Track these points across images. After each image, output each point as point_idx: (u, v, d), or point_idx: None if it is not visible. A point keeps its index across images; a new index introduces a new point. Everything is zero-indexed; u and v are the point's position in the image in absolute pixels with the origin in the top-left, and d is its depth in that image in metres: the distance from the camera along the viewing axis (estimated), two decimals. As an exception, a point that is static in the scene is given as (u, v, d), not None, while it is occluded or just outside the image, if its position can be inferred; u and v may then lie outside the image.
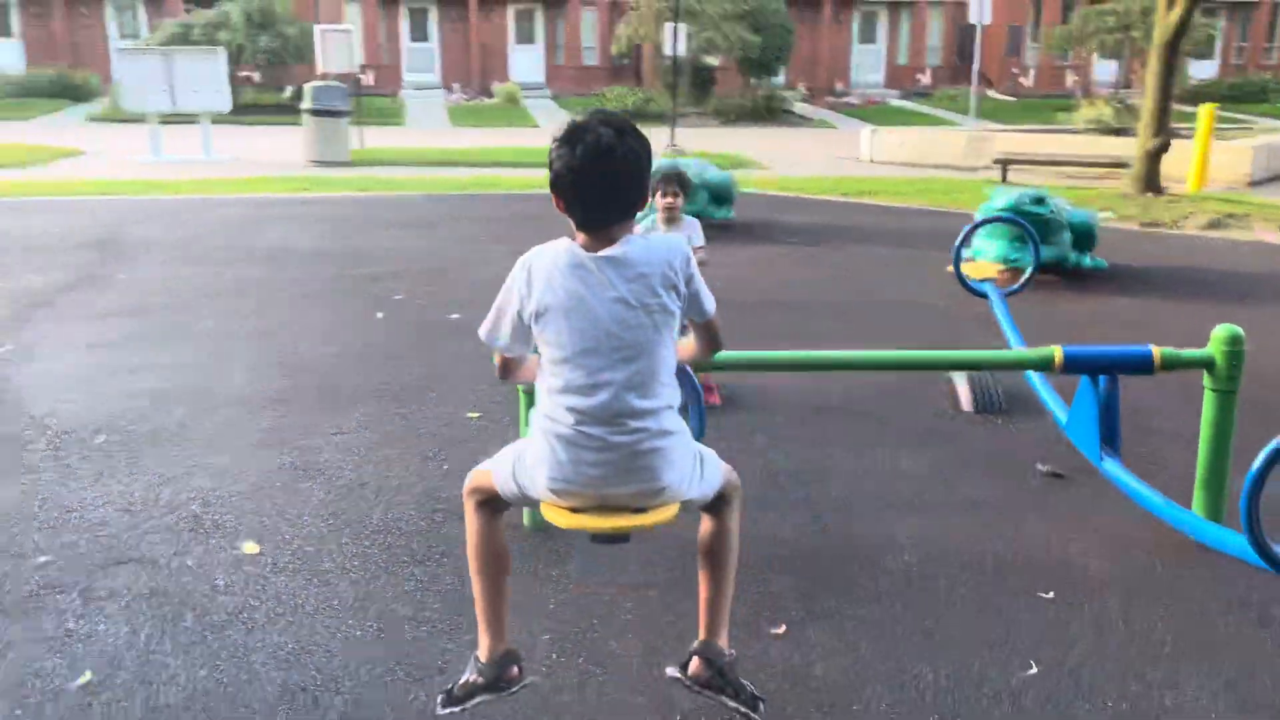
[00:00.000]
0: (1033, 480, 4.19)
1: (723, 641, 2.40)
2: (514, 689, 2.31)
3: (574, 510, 2.17)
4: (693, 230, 5.00)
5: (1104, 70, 34.85)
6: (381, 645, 2.89)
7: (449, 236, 10.00)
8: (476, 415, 4.88)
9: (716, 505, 2.36)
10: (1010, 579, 3.38)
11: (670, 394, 2.14)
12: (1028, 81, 35.55)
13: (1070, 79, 35.04)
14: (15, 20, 31.94)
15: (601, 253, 2.05)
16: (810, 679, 2.75)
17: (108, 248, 9.06)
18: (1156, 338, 3.77)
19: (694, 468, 2.22)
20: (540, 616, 3.04)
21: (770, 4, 28.78)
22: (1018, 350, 4.20)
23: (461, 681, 2.31)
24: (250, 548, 3.49)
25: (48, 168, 15.64)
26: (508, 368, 2.25)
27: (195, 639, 2.91)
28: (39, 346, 5.93)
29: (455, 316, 6.69)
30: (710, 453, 2.35)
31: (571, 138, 2.04)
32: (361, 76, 23.45)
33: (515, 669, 2.30)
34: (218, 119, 17.59)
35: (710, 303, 2.22)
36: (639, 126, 2.10)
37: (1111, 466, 3.70)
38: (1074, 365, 3.58)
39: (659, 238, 2.34)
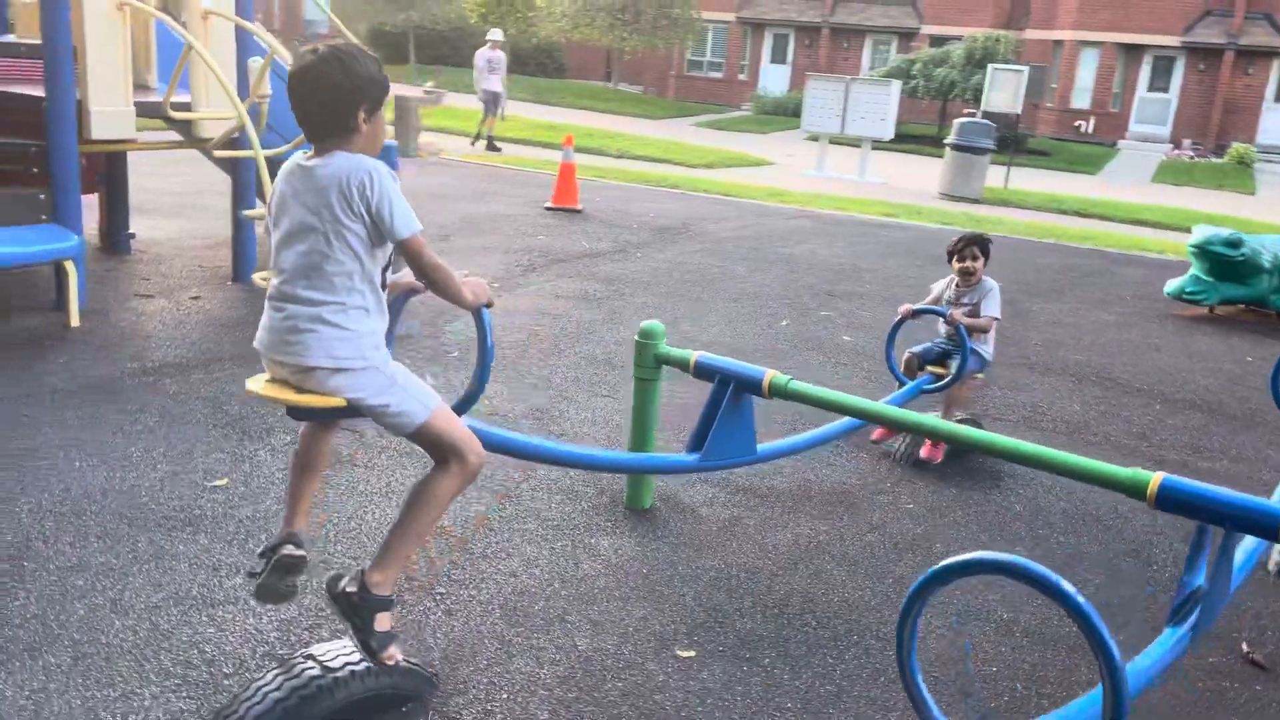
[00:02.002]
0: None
1: (376, 579, 2.51)
2: (279, 559, 2.65)
3: (269, 380, 2.51)
4: (985, 296, 4.87)
5: None
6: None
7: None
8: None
9: (436, 459, 2.55)
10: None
11: (349, 297, 2.37)
12: None
13: None
14: (790, 49, 37.00)
15: (306, 162, 2.40)
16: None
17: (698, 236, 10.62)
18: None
19: (373, 379, 2.42)
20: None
21: None
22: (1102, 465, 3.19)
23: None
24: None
25: (735, 170, 18.34)
26: None
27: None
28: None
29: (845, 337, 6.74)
30: (417, 390, 2.49)
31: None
32: (1081, 123, 22.70)
33: (291, 547, 2.69)
34: (878, 144, 18.83)
35: (403, 226, 2.35)
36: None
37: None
38: (1172, 504, 2.81)
39: (351, 158, 2.37)
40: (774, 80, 36.66)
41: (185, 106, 6.37)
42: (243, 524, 3.61)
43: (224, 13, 6.21)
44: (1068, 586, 1.93)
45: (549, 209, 11.33)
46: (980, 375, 5.17)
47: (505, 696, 2.82)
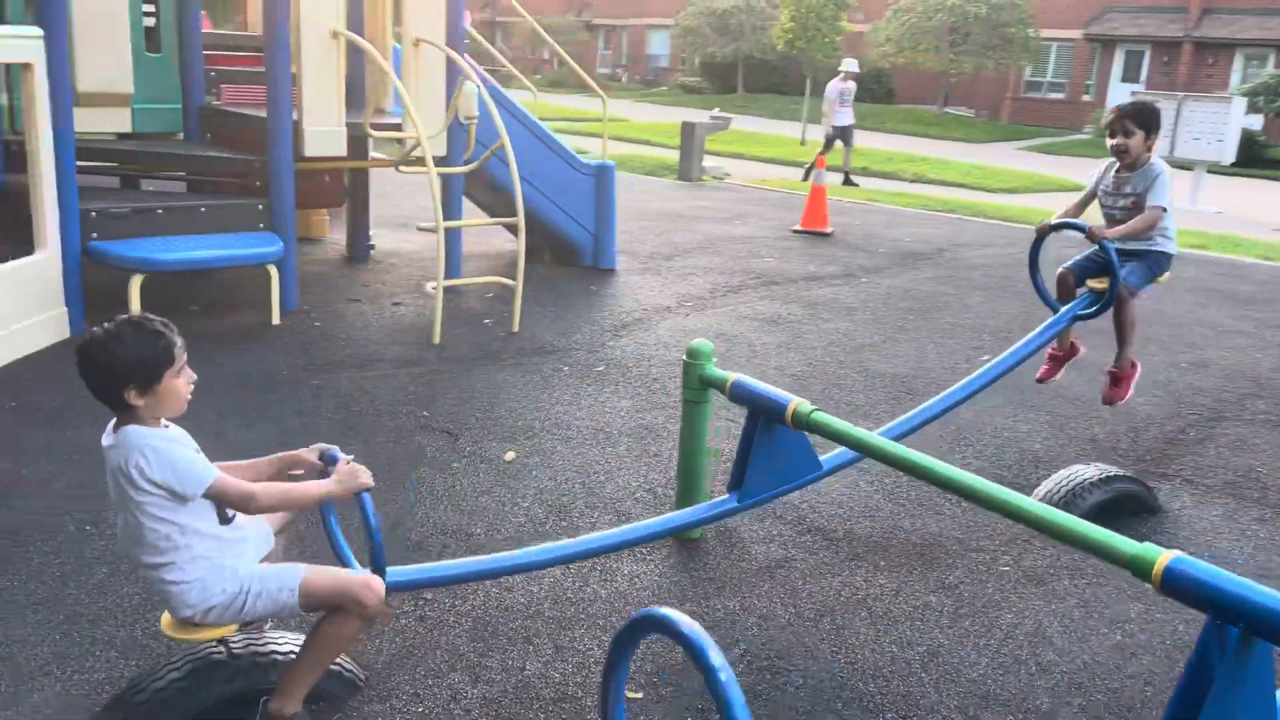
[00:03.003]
0: None
1: (275, 706, 2.54)
2: None
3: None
4: (1151, 181, 4.10)
5: None
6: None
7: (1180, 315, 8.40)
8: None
9: (333, 609, 2.53)
10: None
11: (176, 555, 2.40)
12: None
13: None
14: (1145, 66, 33.82)
15: (106, 441, 2.42)
16: None
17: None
18: None
19: (234, 604, 2.45)
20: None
21: None
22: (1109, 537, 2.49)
23: None
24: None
25: (1040, 195, 17.08)
26: None
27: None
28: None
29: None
30: (275, 582, 2.48)
31: None
32: None
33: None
34: (1214, 168, 16.71)
35: (192, 487, 2.36)
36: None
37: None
38: (1179, 592, 2.27)
39: (128, 438, 2.39)
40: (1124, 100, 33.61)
41: (397, 127, 6.88)
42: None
43: (433, 40, 6.65)
44: (714, 658, 1.63)
45: (795, 232, 11.10)
46: (1164, 278, 4.35)
47: (421, 710, 2.78)
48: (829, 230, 11.10)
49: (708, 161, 16.83)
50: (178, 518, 2.41)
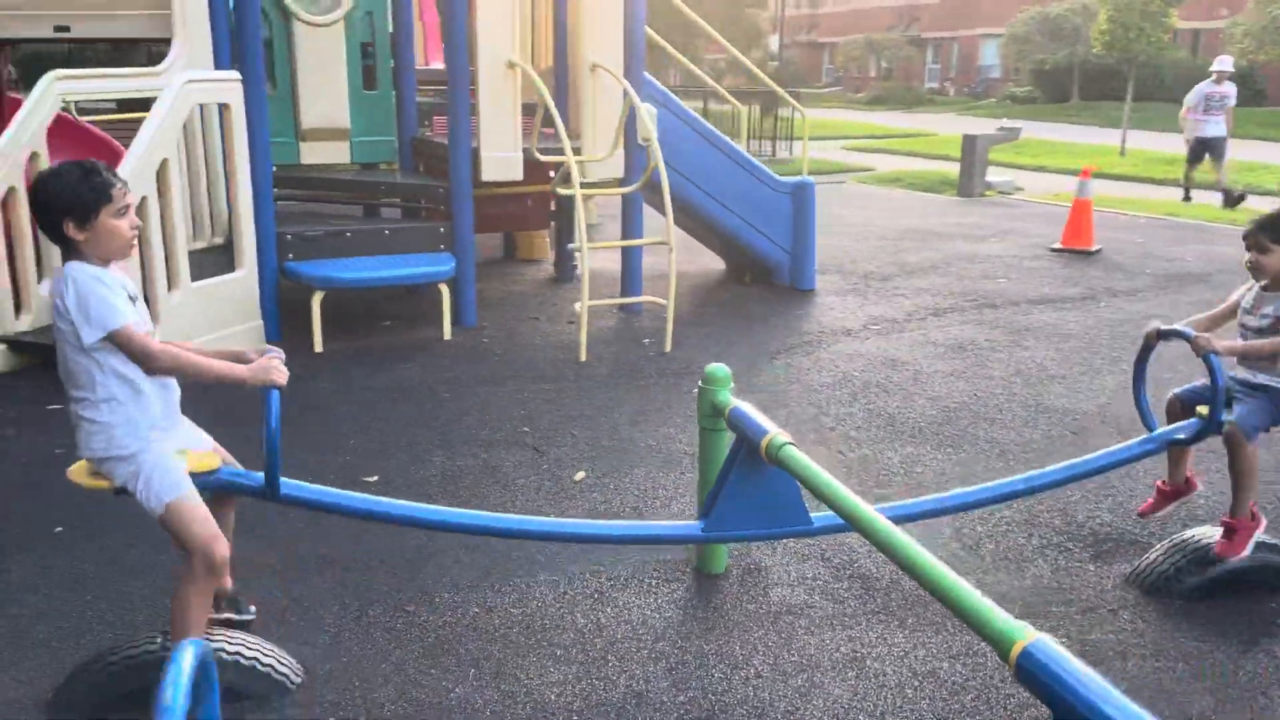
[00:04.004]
0: None
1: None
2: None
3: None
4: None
5: None
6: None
7: None
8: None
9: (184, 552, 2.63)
10: None
11: (93, 392, 2.54)
12: None
13: None
14: None
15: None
16: None
17: None
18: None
19: (124, 466, 2.60)
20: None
21: None
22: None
23: None
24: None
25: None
26: None
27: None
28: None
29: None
30: (160, 483, 2.58)
31: None
32: None
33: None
34: None
35: (91, 330, 2.48)
36: None
37: None
38: (1030, 680, 1.86)
39: (66, 272, 2.52)
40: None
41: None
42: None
43: (606, 66, 6.77)
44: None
45: (1053, 250, 10.12)
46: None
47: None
48: (1094, 248, 10.03)
49: (996, 176, 15.77)
50: (98, 356, 2.54)
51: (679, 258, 9.07)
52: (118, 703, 2.74)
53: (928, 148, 21.70)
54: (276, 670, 2.92)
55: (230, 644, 2.81)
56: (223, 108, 5.95)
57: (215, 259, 6.39)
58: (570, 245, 6.58)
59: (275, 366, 2.68)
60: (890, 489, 4.37)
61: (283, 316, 6.39)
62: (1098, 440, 4.71)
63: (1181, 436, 3.58)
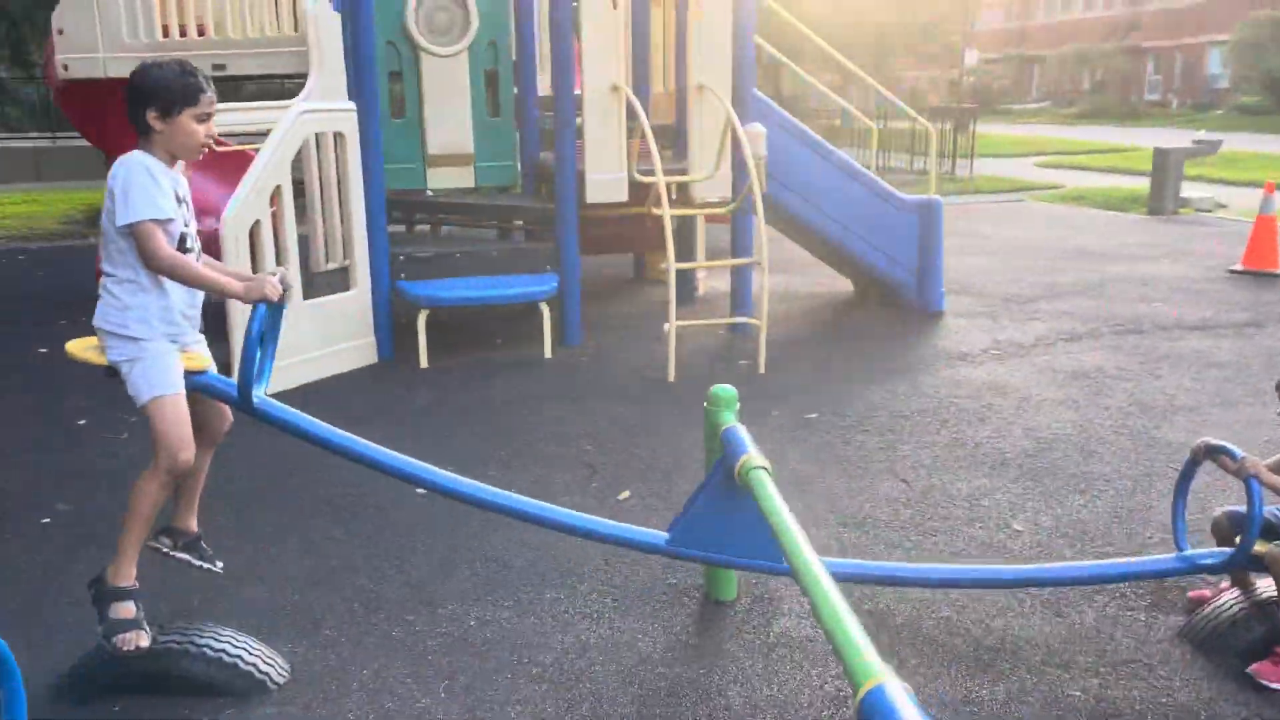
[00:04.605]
0: None
1: (109, 572, 2.81)
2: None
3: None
4: None
5: None
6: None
7: None
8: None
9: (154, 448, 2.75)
10: None
11: (120, 270, 2.71)
12: None
13: None
14: None
15: None
16: None
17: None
18: None
19: (125, 347, 2.74)
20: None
21: None
22: None
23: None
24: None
25: None
26: None
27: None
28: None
29: None
30: (154, 376, 2.72)
31: None
32: None
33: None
34: None
35: (123, 214, 2.62)
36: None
37: None
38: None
39: (128, 156, 2.67)
40: None
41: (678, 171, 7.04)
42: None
43: (711, 87, 6.73)
44: None
45: (1232, 272, 9.24)
46: None
47: (308, 726, 2.91)
48: (1279, 270, 9.11)
49: (1194, 192, 14.58)
50: (127, 239, 2.69)
51: (801, 280, 8.94)
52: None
53: (1127, 163, 20.33)
54: (259, 670, 3.04)
55: (201, 636, 2.96)
56: (338, 136, 6.31)
57: (342, 278, 6.77)
58: (662, 265, 6.57)
59: (269, 282, 2.79)
60: (941, 521, 4.11)
61: (397, 334, 6.67)
62: (1200, 478, 4.26)
63: (1208, 562, 3.20)
